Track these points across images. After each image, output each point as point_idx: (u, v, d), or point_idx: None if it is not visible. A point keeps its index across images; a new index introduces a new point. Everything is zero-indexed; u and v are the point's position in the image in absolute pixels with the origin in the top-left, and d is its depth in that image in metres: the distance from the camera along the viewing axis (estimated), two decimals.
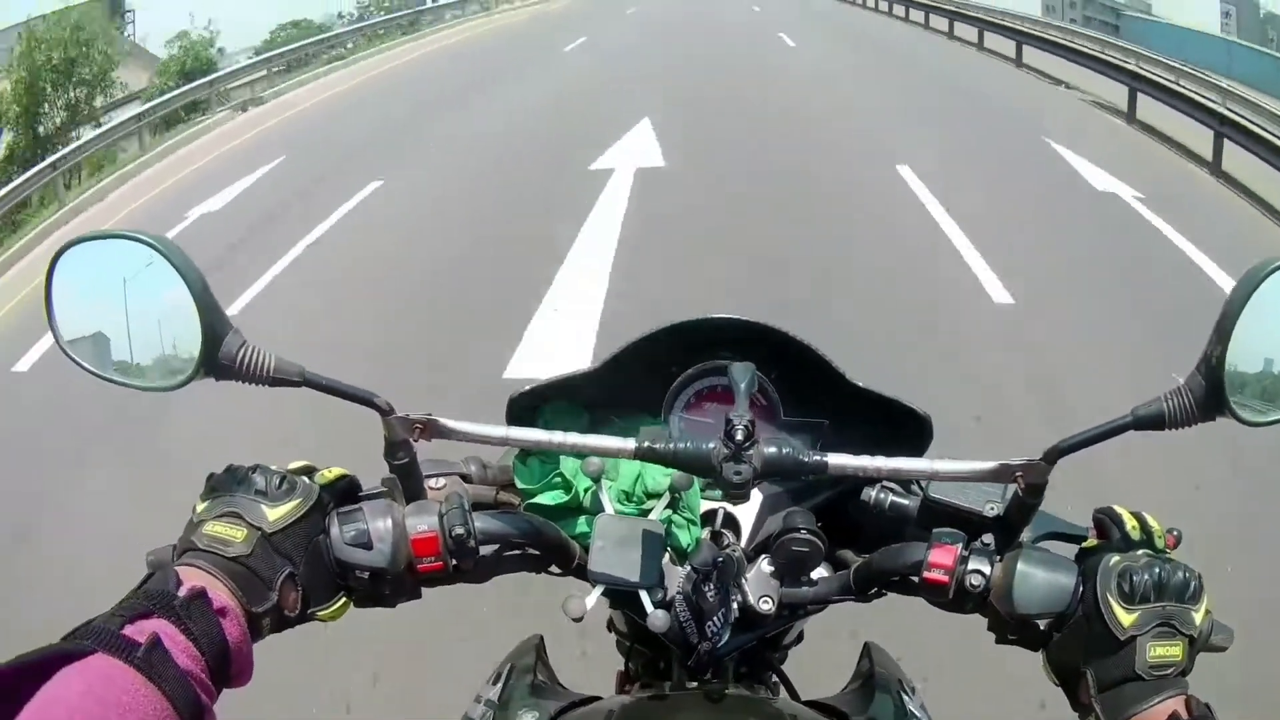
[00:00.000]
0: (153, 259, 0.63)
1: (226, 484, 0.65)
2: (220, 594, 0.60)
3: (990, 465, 0.66)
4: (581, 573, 0.74)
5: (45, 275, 0.67)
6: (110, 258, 0.67)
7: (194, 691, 0.53)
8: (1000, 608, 0.66)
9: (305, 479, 0.68)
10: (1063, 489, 0.73)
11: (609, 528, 0.72)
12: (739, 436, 0.64)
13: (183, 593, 0.57)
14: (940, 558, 0.67)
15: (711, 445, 0.65)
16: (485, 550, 0.70)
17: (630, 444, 0.67)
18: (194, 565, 0.61)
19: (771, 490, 0.86)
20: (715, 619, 0.73)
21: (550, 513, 0.77)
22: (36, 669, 0.48)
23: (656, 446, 0.66)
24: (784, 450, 0.66)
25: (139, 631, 0.53)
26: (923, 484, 0.77)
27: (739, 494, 0.66)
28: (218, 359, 0.64)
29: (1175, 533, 0.68)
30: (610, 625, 0.95)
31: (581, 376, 0.84)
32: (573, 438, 0.69)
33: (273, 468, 0.67)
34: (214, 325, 0.63)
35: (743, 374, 0.72)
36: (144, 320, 0.66)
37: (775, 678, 0.93)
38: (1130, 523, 0.67)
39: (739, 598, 0.74)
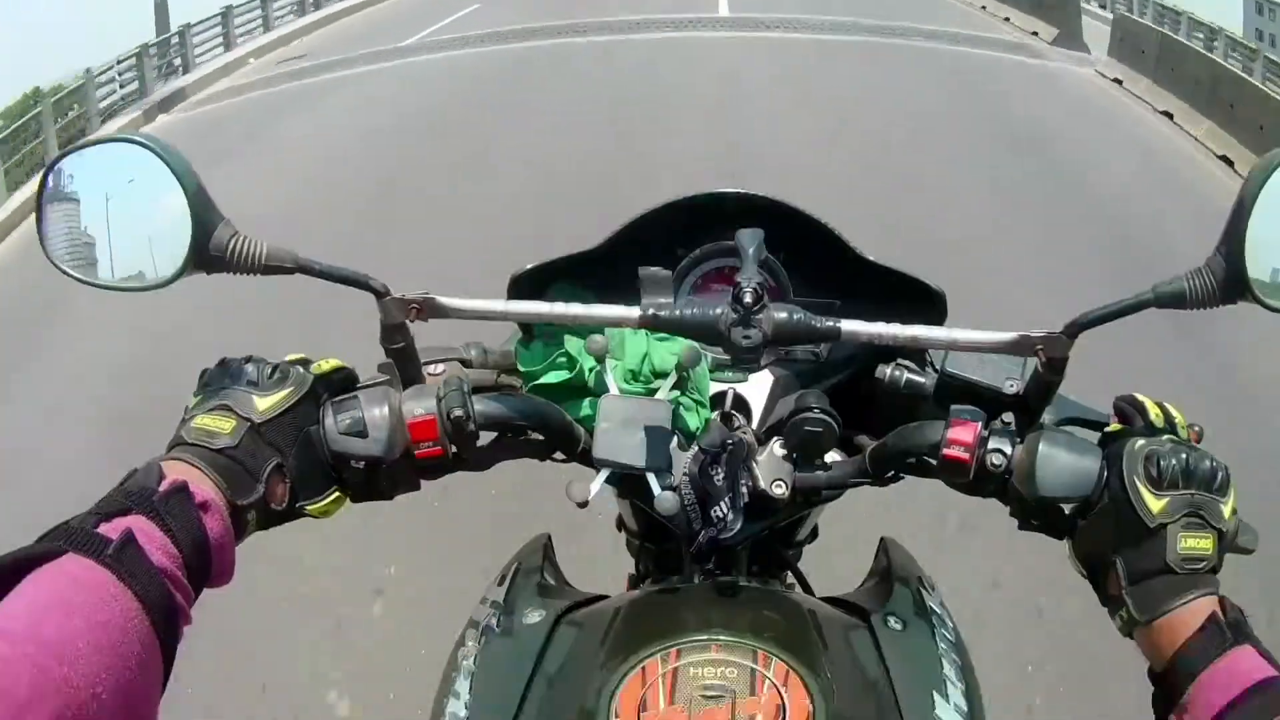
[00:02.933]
0: (148, 160, 0.62)
1: (218, 377, 0.64)
2: (204, 488, 0.57)
3: (1010, 336, 0.64)
4: (587, 458, 0.72)
5: (37, 187, 0.66)
6: (104, 164, 0.65)
7: (168, 590, 0.51)
8: (1023, 490, 0.63)
9: (299, 369, 0.66)
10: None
11: (614, 409, 0.69)
12: (747, 299, 0.62)
13: (163, 487, 0.55)
14: (960, 434, 0.64)
15: (719, 310, 0.63)
16: (486, 435, 0.69)
17: (635, 312, 0.65)
18: (179, 459, 0.59)
19: (782, 372, 0.83)
20: (723, 503, 0.70)
21: (554, 394, 0.75)
22: (6, 571, 0.46)
23: (662, 314, 0.64)
24: (795, 315, 0.64)
25: (113, 529, 0.51)
26: (938, 360, 0.74)
27: (749, 360, 0.64)
28: (208, 251, 0.62)
29: (1197, 428, 0.66)
30: (620, 524, 0.93)
31: (584, 255, 0.81)
32: (575, 308, 0.67)
33: (266, 360, 0.65)
34: (204, 218, 0.62)
35: (750, 239, 0.69)
36: (136, 222, 0.65)
37: (790, 575, 0.92)
38: (1154, 410, 0.65)
39: (749, 482, 0.71)
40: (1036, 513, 0.64)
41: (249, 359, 0.65)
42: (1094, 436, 0.66)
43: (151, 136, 0.63)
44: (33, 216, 0.69)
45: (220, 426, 0.61)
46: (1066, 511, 0.63)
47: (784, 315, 0.63)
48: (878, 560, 0.89)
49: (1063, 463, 0.61)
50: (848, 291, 0.83)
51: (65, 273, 0.65)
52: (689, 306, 0.64)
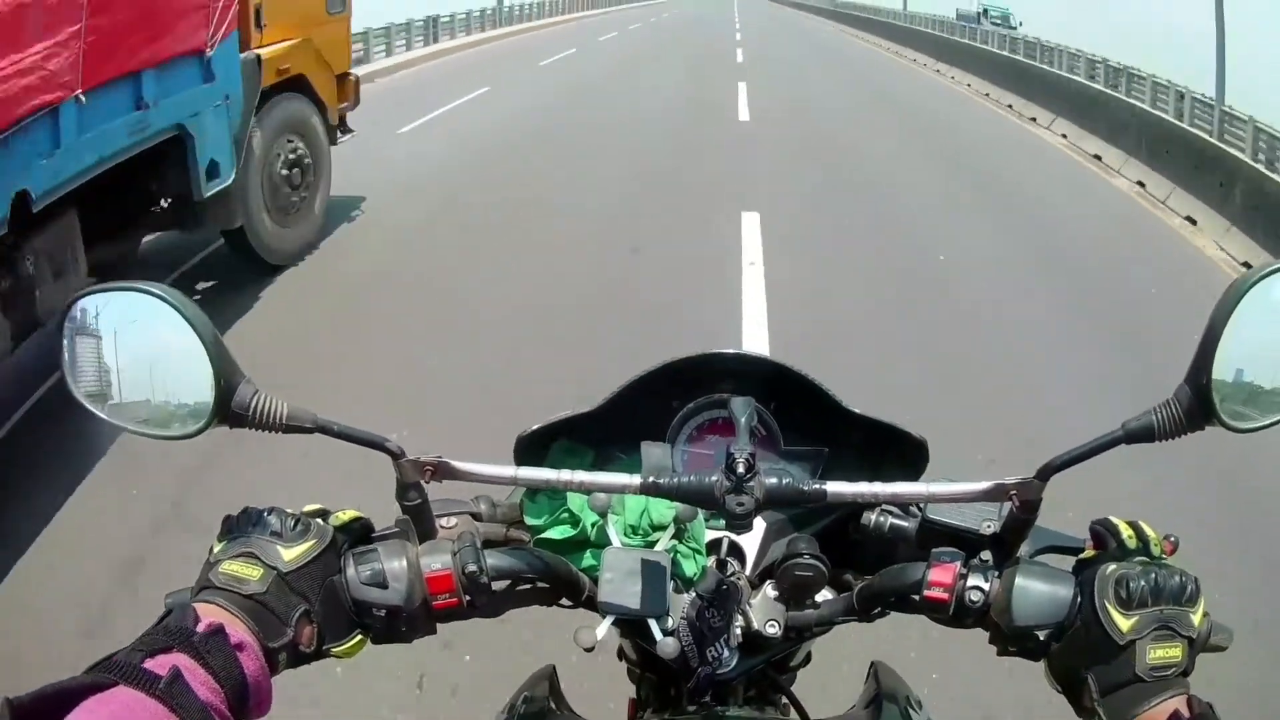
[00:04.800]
0: (160, 310, 0.65)
1: (242, 526, 0.67)
2: (237, 629, 0.61)
3: (985, 485, 0.68)
4: (591, 604, 0.76)
5: (57, 328, 0.69)
6: (121, 309, 0.68)
7: None
8: (1000, 621, 0.67)
9: (320, 521, 0.70)
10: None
11: (617, 560, 0.74)
12: (740, 469, 0.67)
13: (200, 628, 0.58)
14: (940, 576, 0.69)
15: (714, 478, 0.68)
16: (498, 586, 0.72)
17: (636, 480, 0.69)
18: (211, 602, 0.63)
19: (774, 517, 0.88)
20: (718, 643, 0.75)
21: (559, 547, 0.79)
22: (59, 699, 0.50)
23: (661, 482, 0.68)
24: (784, 481, 0.68)
25: (159, 665, 0.54)
26: (920, 506, 0.78)
27: (741, 525, 0.68)
28: (231, 409, 0.66)
29: (1173, 539, 0.69)
30: (620, 654, 0.96)
31: (585, 416, 0.86)
32: (580, 475, 0.71)
33: (288, 510, 0.69)
34: (226, 375, 0.65)
35: (743, 408, 0.74)
36: (157, 370, 0.68)
37: (785, 699, 0.94)
38: (1126, 532, 0.68)
39: (744, 623, 0.76)
40: (1014, 640, 0.68)
41: (271, 510, 0.68)
42: (1069, 563, 0.70)
43: (174, 291, 0.65)
44: None
45: (249, 574, 0.64)
46: (1041, 637, 0.67)
47: (774, 481, 0.68)
48: (869, 684, 0.93)
49: (1037, 594, 0.66)
50: (835, 439, 0.88)
51: (96, 413, 0.68)
52: (685, 474, 0.69)
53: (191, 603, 0.62)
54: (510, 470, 0.72)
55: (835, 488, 0.68)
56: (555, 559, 0.76)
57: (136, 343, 0.68)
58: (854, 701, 0.93)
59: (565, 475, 0.71)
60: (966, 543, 0.73)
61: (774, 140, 11.13)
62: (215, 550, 0.67)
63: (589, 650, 0.71)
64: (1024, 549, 0.73)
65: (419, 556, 0.71)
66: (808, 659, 0.97)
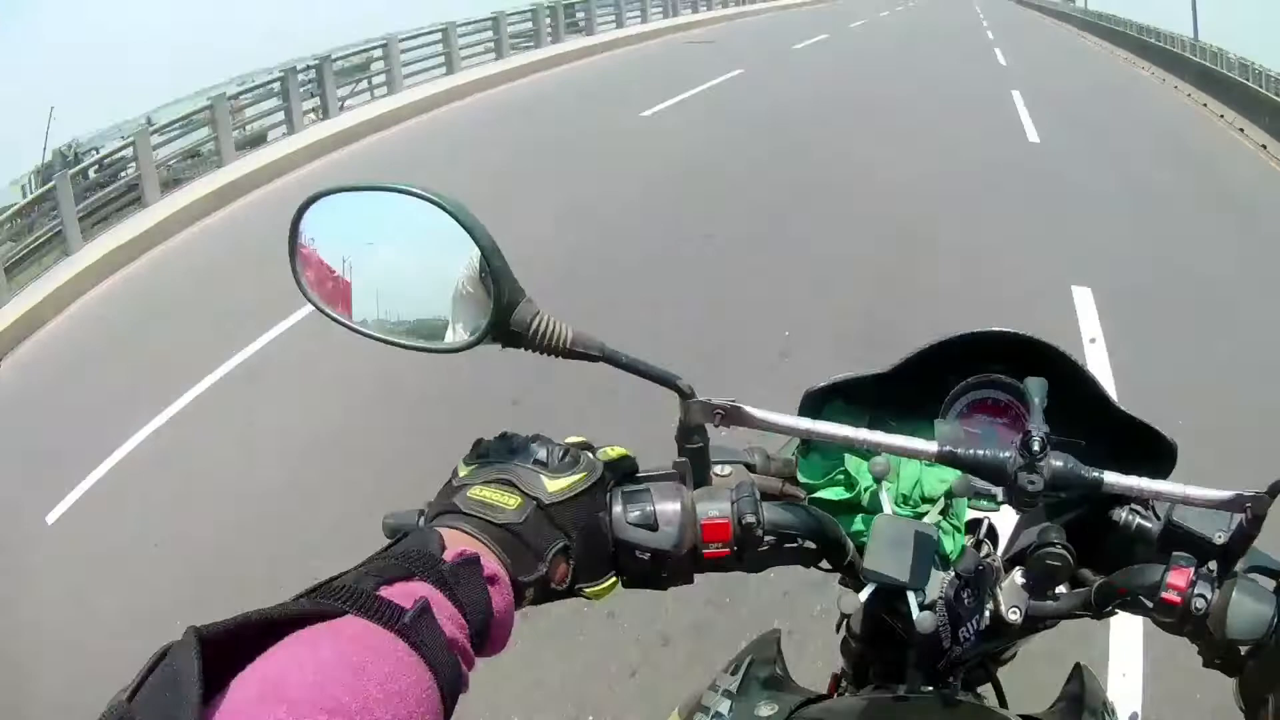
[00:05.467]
0: (428, 215, 0.60)
1: (499, 451, 0.64)
2: (490, 561, 0.56)
3: (1228, 495, 0.69)
4: (848, 570, 0.76)
5: (290, 226, 0.65)
6: (374, 211, 0.64)
7: (457, 663, 0.49)
8: (1214, 632, 0.68)
9: (589, 454, 0.67)
10: None
11: (886, 528, 0.73)
12: (1035, 447, 0.67)
13: (448, 556, 0.53)
14: (1176, 580, 0.70)
15: (1007, 454, 0.68)
16: (768, 540, 0.71)
17: (933, 446, 0.69)
18: (457, 528, 0.58)
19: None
20: (969, 625, 0.75)
21: (830, 508, 0.79)
22: (264, 628, 0.43)
23: (958, 451, 0.68)
24: (1068, 465, 0.69)
25: (401, 595, 0.48)
26: (1161, 508, 0.80)
27: (1029, 503, 0.69)
28: (509, 325, 0.62)
29: None
30: (840, 626, 0.96)
31: (874, 377, 0.86)
32: (878, 435, 0.70)
33: (554, 440, 0.65)
34: (507, 290, 0.62)
35: (1038, 389, 0.75)
36: (422, 280, 0.64)
37: (991, 687, 0.96)
38: None
39: (991, 606, 0.77)
40: (1220, 652, 0.69)
41: (536, 437, 0.65)
42: (1271, 584, 0.71)
43: (441, 192, 0.61)
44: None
45: (505, 501, 0.60)
46: (1242, 652, 0.68)
47: (1060, 464, 0.68)
48: (1070, 684, 0.96)
49: (1248, 608, 0.67)
50: (1090, 429, 0.89)
51: (340, 321, 0.65)
52: (980, 448, 0.69)
53: (436, 528, 0.57)
54: (806, 422, 0.71)
55: (1111, 478, 0.68)
56: (828, 519, 0.75)
57: (392, 246, 0.64)
58: (1052, 700, 0.94)
59: (864, 433, 0.70)
60: (1198, 550, 0.74)
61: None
62: (462, 473, 0.63)
63: (846, 616, 0.72)
64: (1239, 564, 0.74)
65: (695, 502, 0.69)
66: (1014, 654, 0.98)
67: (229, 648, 0.40)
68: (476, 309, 0.63)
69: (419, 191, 0.61)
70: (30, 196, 8.54)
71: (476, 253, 0.61)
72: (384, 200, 0.64)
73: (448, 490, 0.62)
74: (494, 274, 0.61)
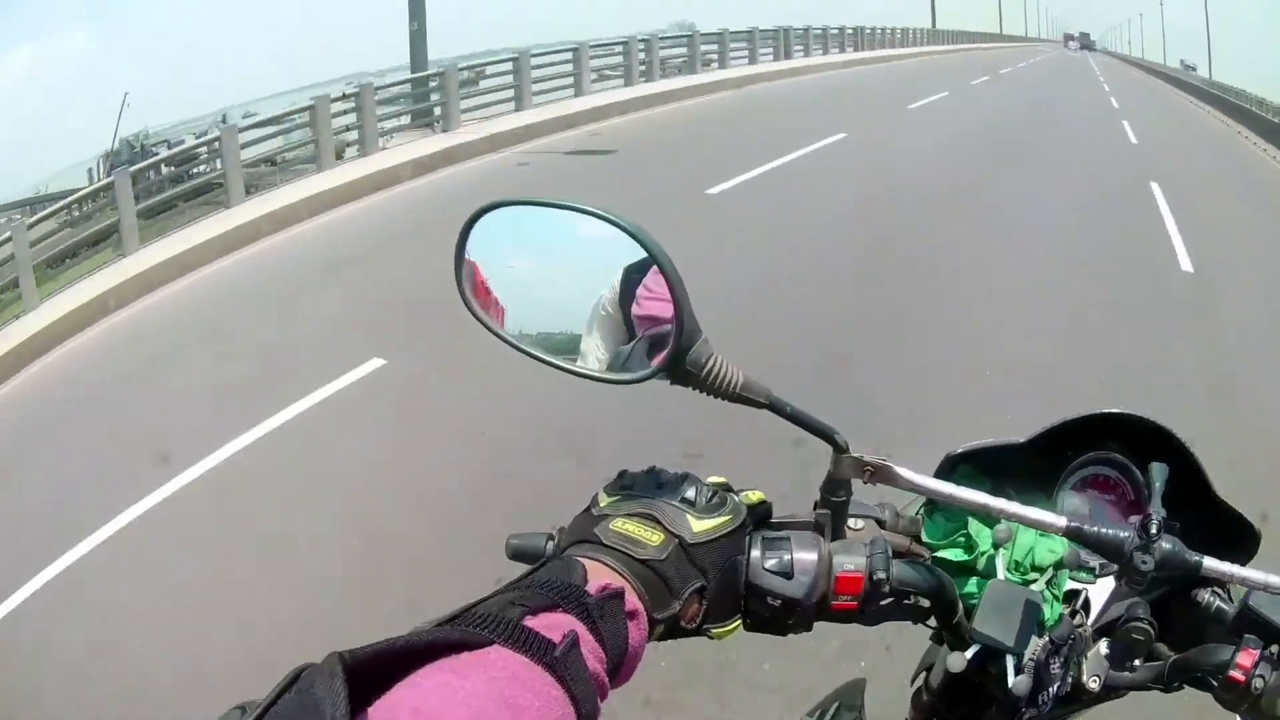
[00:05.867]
0: (612, 238, 0.60)
1: (645, 485, 0.64)
2: (631, 596, 0.56)
3: None
4: (953, 630, 0.78)
5: (459, 233, 0.65)
6: (547, 229, 0.65)
7: (595, 698, 0.49)
8: (1267, 713, 0.72)
9: (734, 497, 0.67)
10: None
11: (1001, 593, 0.75)
12: (1153, 530, 0.69)
13: (592, 589, 0.53)
14: (1244, 660, 0.73)
15: (1126, 534, 0.70)
16: (890, 596, 0.72)
17: (1061, 521, 0.71)
18: (599, 560, 0.58)
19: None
20: (1049, 689, 0.78)
21: (946, 568, 0.81)
22: (405, 656, 0.42)
23: (1084, 528, 0.71)
24: (1176, 548, 0.71)
25: (547, 626, 0.48)
26: (1238, 592, 0.82)
27: (1139, 581, 0.71)
28: (684, 363, 0.62)
29: None
30: (915, 678, 0.97)
31: (1015, 446, 0.89)
32: (1013, 506, 0.72)
33: (701, 480, 0.66)
34: (688, 329, 0.62)
35: (1160, 474, 0.78)
36: (581, 303, 0.64)
37: None
38: None
39: (1075, 674, 0.80)
40: None
41: (686, 476, 0.65)
42: None
43: (633, 221, 0.61)
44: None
45: (647, 537, 0.60)
46: None
47: (1169, 546, 0.70)
48: None
49: None
50: (1181, 509, 0.90)
51: (503, 338, 0.66)
52: (1101, 526, 0.71)
53: (578, 558, 0.57)
54: (949, 487, 0.72)
55: (1210, 563, 0.70)
56: (949, 580, 0.77)
57: (558, 267, 0.65)
58: None
59: (1001, 503, 0.72)
60: (1269, 634, 0.77)
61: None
62: (603, 503, 0.63)
63: (955, 675, 0.75)
64: None
65: (832, 554, 0.69)
66: None
67: (365, 674, 0.40)
68: (614, 332, 0.64)
69: (601, 213, 0.62)
70: (86, 189, 8.86)
71: (618, 278, 0.62)
72: (559, 218, 0.64)
73: (588, 519, 0.62)
74: (676, 306, 0.61)
